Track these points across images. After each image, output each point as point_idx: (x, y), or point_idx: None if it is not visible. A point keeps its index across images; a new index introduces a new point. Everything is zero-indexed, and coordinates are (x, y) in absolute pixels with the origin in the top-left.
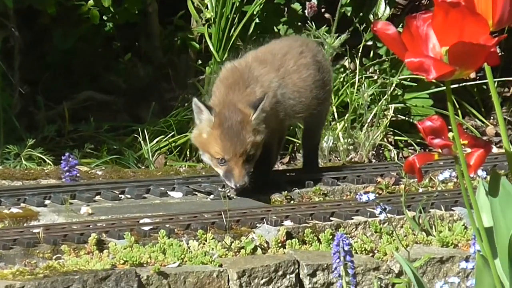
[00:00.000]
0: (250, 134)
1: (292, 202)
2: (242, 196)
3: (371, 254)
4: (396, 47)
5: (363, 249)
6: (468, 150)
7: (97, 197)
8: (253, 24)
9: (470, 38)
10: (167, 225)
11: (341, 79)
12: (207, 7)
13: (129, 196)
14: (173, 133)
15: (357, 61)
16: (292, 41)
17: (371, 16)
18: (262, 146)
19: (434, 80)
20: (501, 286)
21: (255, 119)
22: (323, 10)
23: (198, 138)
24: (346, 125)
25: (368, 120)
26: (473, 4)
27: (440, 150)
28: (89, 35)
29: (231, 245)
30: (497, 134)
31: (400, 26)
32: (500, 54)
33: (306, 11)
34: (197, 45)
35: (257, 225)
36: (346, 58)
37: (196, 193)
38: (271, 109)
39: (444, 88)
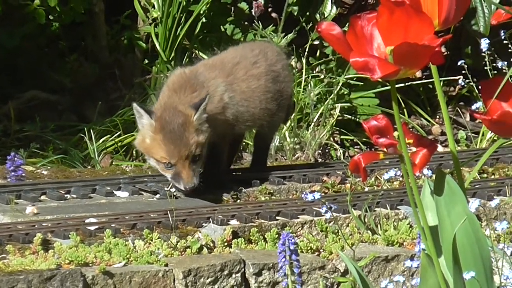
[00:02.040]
0: (193, 135)
1: (238, 201)
2: (188, 196)
3: (316, 253)
4: (341, 47)
5: (309, 248)
6: (414, 149)
7: (43, 197)
8: (199, 24)
9: (414, 38)
10: (113, 225)
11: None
12: (153, 7)
13: (74, 195)
14: (119, 132)
15: (304, 61)
16: (248, 50)
17: (317, 16)
18: (212, 148)
19: (379, 80)
20: (445, 284)
21: (197, 120)
22: (270, 9)
23: (142, 144)
24: (292, 124)
25: (315, 120)
26: (419, 3)
27: (385, 149)
28: (35, 34)
29: (177, 244)
30: (442, 133)
31: (347, 25)
32: (445, 53)
33: (253, 11)
34: (144, 45)
35: (203, 224)
36: (292, 57)
37: (142, 192)
38: (218, 113)
39: (390, 87)
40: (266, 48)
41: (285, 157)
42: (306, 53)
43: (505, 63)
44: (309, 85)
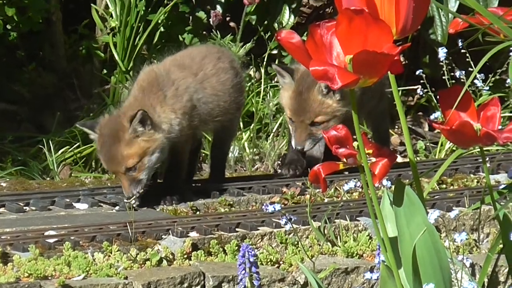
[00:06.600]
0: (128, 148)
1: (197, 213)
2: (147, 207)
3: (276, 265)
4: (301, 56)
5: (268, 260)
6: (373, 159)
7: (1, 209)
8: (158, 33)
9: (373, 46)
10: (72, 237)
11: (247, 89)
12: (111, 16)
13: (33, 208)
14: (78, 143)
15: (262, 70)
16: (210, 47)
17: (275, 25)
18: (173, 156)
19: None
20: None
21: (132, 133)
22: (228, 18)
23: None
24: (251, 135)
25: (274, 130)
26: (376, 12)
27: (345, 160)
28: None
29: (136, 257)
30: (401, 144)
31: (305, 34)
32: (403, 62)
33: (211, 20)
34: (102, 54)
35: (163, 236)
36: (251, 67)
37: (102, 204)
38: (185, 113)
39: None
40: (221, 48)
41: (244, 168)
42: (264, 62)
43: (463, 72)
44: (268, 95)
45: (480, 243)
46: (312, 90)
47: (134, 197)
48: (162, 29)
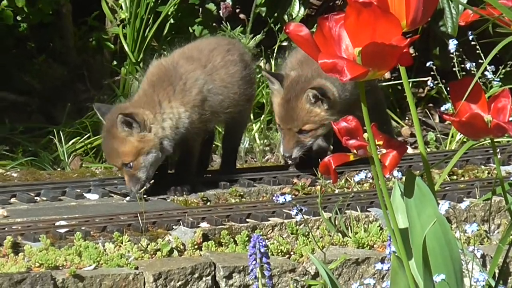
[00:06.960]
0: (122, 145)
1: (208, 203)
2: (158, 198)
3: (287, 256)
4: (309, 49)
5: (279, 250)
6: (383, 150)
7: (13, 199)
8: (167, 25)
9: (382, 39)
10: (83, 228)
11: (257, 80)
12: (121, 8)
13: (44, 198)
14: (88, 134)
15: (272, 62)
16: (220, 39)
17: (285, 17)
18: (185, 148)
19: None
20: (415, 287)
21: (121, 132)
22: (237, 10)
23: None
24: (262, 126)
25: None
26: (387, 4)
27: (355, 151)
28: (3, 35)
29: (147, 247)
30: (412, 135)
31: (315, 26)
32: (413, 54)
33: (220, 12)
34: (112, 46)
35: (174, 227)
36: (261, 58)
37: (112, 195)
38: (195, 106)
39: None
40: (232, 40)
41: (255, 159)
42: (274, 54)
43: (474, 64)
44: None
45: (491, 234)
46: (300, 98)
47: (134, 193)
48: (172, 20)
